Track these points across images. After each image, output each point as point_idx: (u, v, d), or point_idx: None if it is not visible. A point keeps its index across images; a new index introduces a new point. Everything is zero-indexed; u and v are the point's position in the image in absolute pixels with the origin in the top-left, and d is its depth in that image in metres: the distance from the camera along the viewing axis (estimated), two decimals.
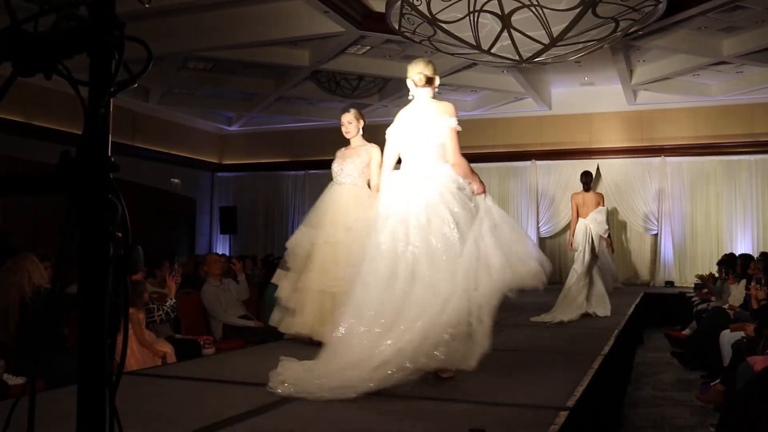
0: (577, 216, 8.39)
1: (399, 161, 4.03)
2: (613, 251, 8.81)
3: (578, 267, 7.84)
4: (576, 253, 8.06)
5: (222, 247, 16.58)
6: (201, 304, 7.24)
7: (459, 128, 3.85)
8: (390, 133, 4.03)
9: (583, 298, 7.66)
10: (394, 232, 3.67)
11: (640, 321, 9.90)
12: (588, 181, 8.86)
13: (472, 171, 3.91)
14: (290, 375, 3.36)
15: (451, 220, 3.60)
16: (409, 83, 4.02)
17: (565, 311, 7.39)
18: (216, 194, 17.17)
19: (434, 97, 4.04)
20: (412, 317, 3.40)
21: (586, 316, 7.55)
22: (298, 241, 5.32)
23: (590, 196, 8.59)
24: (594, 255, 7.99)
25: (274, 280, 5.54)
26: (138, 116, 13.91)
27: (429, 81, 3.97)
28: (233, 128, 16.74)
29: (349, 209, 5.18)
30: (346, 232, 5.03)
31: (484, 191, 3.92)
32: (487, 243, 3.60)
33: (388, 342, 3.34)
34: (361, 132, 5.55)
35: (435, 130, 3.84)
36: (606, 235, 8.55)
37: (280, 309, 5.24)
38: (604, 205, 8.56)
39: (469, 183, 3.85)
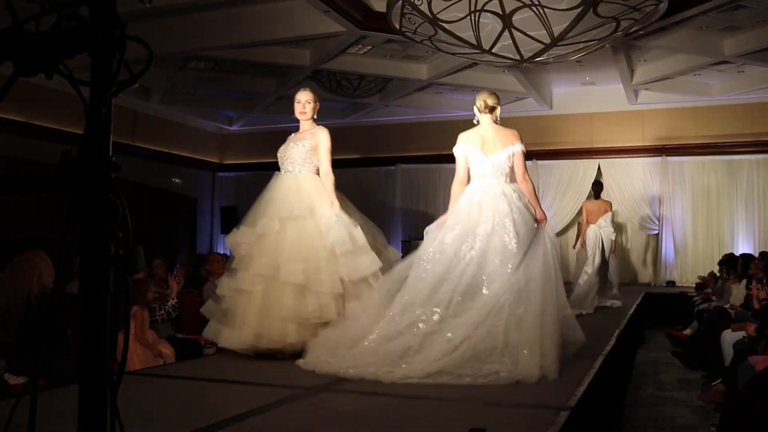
0: (587, 222, 9.26)
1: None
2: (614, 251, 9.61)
3: (589, 269, 8.74)
4: (588, 255, 8.92)
5: (223, 246, 16.58)
6: (202, 303, 7.23)
7: (524, 151, 4.49)
8: (457, 151, 4.55)
9: (595, 294, 8.56)
10: (460, 237, 4.17)
11: (641, 321, 9.90)
12: (598, 189, 9.75)
13: (536, 195, 4.50)
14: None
15: (513, 231, 4.10)
16: (475, 109, 4.60)
17: (581, 305, 8.11)
18: (217, 194, 17.17)
19: (496, 121, 4.62)
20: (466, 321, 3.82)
21: (600, 308, 8.47)
22: (238, 242, 4.76)
23: (600, 203, 9.44)
24: (604, 257, 8.92)
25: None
26: (139, 116, 13.92)
27: (491, 109, 4.55)
28: (234, 128, 16.75)
29: (288, 198, 4.72)
30: (280, 223, 4.59)
31: (545, 220, 4.44)
32: (538, 263, 4.07)
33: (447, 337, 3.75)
34: (315, 116, 5.13)
35: (501, 152, 4.40)
36: (613, 238, 9.29)
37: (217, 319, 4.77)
38: (611, 212, 9.40)
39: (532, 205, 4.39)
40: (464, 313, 3.85)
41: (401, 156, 15.61)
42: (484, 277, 4.00)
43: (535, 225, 4.29)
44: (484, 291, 3.95)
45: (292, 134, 5.15)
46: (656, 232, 14.23)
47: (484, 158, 4.39)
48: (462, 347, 3.68)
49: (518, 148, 4.41)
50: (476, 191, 4.35)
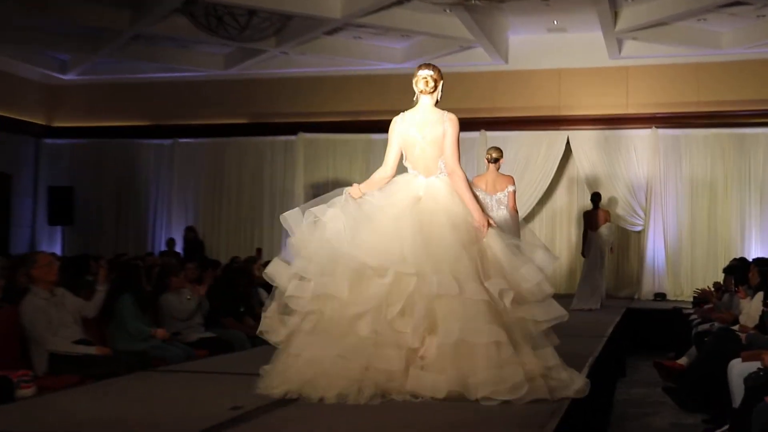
0: (587, 229, 12.71)
1: None
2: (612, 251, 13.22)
3: (593, 270, 12.35)
4: (590, 258, 12.41)
5: (49, 242, 16.22)
6: (17, 324, 6.98)
7: (515, 190, 8.31)
8: None
9: (600, 293, 12.28)
10: None
11: (621, 345, 10.04)
12: (597, 200, 12.95)
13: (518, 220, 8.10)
14: None
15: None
16: (485, 159, 8.64)
17: (589, 301, 12.09)
18: (42, 169, 16.91)
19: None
20: None
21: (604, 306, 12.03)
22: None
23: (599, 213, 12.76)
24: (603, 260, 12.65)
25: None
26: None
27: (495, 160, 8.41)
28: (69, 77, 16.43)
29: None
30: None
31: None
32: None
33: None
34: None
35: (500, 192, 8.21)
36: (612, 242, 12.96)
37: None
38: (611, 221, 13.00)
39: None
40: None
41: (304, 122, 15.48)
42: None
43: None
44: None
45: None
46: (641, 228, 14.46)
47: (488, 196, 7.99)
48: None
49: (511, 188, 8.19)
50: None
